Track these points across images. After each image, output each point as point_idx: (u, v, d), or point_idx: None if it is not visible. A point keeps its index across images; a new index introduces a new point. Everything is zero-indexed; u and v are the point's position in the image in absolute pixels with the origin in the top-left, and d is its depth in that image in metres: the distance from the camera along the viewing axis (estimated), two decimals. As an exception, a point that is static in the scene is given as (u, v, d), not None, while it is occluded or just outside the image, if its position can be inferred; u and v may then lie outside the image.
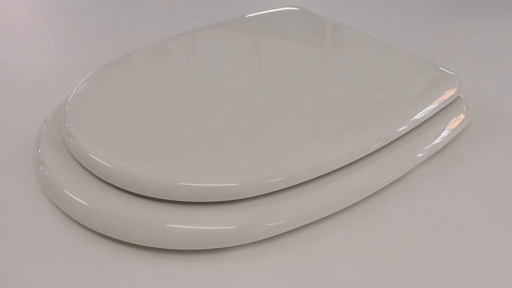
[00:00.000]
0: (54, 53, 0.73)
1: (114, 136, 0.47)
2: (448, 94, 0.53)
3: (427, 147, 0.51)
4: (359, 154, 0.47)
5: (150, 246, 0.42)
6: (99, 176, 0.45)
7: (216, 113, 0.50)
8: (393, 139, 0.49)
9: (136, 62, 0.60)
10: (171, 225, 0.42)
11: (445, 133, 0.52)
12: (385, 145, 0.49)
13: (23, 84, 0.65)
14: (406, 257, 0.43)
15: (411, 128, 0.50)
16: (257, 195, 0.43)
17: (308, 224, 0.44)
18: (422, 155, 0.50)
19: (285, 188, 0.44)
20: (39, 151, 0.49)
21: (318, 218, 0.45)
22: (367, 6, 0.89)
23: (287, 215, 0.43)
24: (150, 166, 0.43)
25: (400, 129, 0.49)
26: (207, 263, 0.42)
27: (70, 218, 0.45)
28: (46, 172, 0.47)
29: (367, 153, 0.47)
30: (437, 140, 0.52)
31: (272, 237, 0.43)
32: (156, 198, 0.43)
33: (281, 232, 0.43)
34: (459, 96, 0.56)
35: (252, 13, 0.70)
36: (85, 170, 0.46)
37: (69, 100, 0.51)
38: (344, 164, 0.46)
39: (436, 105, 0.52)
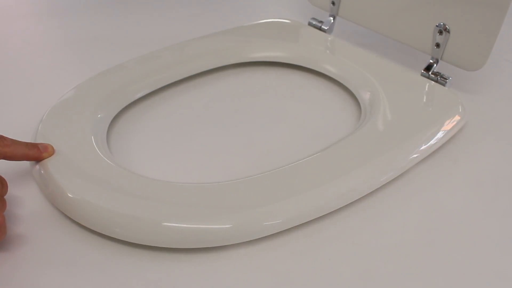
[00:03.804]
0: (51, 53, 0.72)
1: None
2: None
3: (423, 148, 0.51)
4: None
5: (147, 244, 0.42)
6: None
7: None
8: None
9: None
10: (167, 224, 0.42)
11: (441, 134, 0.53)
12: (382, 147, 0.49)
13: (19, 84, 0.65)
14: (402, 255, 0.43)
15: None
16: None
17: (304, 223, 0.44)
18: (418, 156, 0.51)
19: (281, 188, 0.45)
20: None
21: (314, 217, 0.45)
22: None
23: (282, 214, 0.44)
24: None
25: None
26: (203, 261, 0.42)
27: (67, 216, 0.45)
28: (42, 171, 0.47)
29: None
30: (433, 141, 0.52)
31: (268, 236, 0.43)
32: (153, 197, 0.43)
33: (277, 231, 0.43)
34: (455, 96, 0.56)
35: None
36: (82, 170, 0.46)
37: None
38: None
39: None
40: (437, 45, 0.58)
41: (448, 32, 0.56)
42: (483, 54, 0.54)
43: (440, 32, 0.57)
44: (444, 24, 0.56)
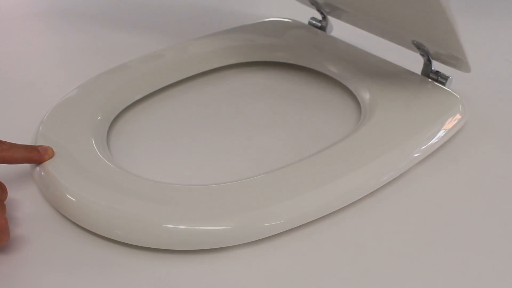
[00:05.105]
0: (51, 53, 0.72)
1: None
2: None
3: (423, 147, 0.51)
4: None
5: (148, 246, 0.42)
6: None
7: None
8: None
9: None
10: (168, 225, 0.42)
11: (441, 133, 0.53)
12: (382, 147, 0.49)
13: (20, 85, 0.65)
14: (402, 256, 0.43)
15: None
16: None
17: (305, 224, 0.44)
18: (418, 155, 0.51)
19: (282, 189, 0.45)
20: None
21: (315, 218, 0.45)
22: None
23: (284, 215, 0.44)
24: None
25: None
26: (204, 262, 0.42)
27: (67, 218, 0.45)
28: (43, 173, 0.47)
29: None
30: (434, 140, 0.52)
31: (269, 236, 0.43)
32: (153, 198, 0.43)
33: (278, 232, 0.43)
34: (455, 95, 0.56)
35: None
36: (82, 172, 0.46)
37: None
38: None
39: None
40: (422, 55, 0.58)
41: (424, 45, 0.56)
42: (461, 59, 0.54)
43: (418, 47, 0.57)
44: (416, 41, 0.56)
